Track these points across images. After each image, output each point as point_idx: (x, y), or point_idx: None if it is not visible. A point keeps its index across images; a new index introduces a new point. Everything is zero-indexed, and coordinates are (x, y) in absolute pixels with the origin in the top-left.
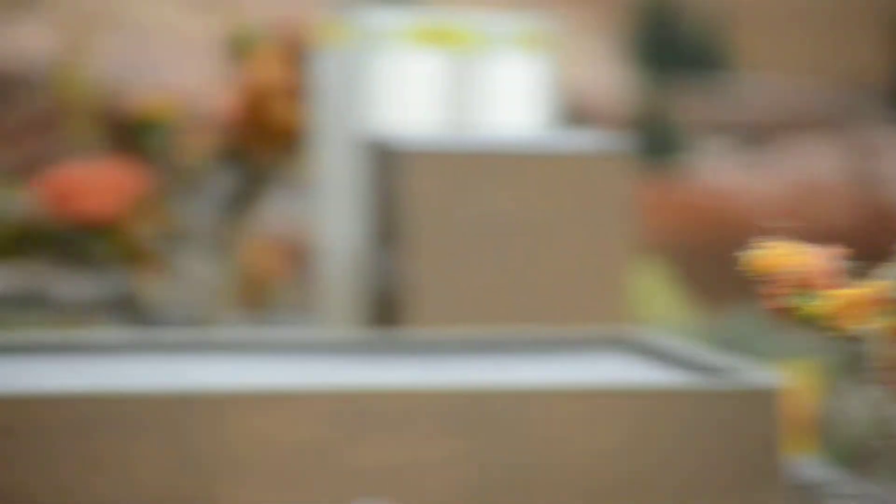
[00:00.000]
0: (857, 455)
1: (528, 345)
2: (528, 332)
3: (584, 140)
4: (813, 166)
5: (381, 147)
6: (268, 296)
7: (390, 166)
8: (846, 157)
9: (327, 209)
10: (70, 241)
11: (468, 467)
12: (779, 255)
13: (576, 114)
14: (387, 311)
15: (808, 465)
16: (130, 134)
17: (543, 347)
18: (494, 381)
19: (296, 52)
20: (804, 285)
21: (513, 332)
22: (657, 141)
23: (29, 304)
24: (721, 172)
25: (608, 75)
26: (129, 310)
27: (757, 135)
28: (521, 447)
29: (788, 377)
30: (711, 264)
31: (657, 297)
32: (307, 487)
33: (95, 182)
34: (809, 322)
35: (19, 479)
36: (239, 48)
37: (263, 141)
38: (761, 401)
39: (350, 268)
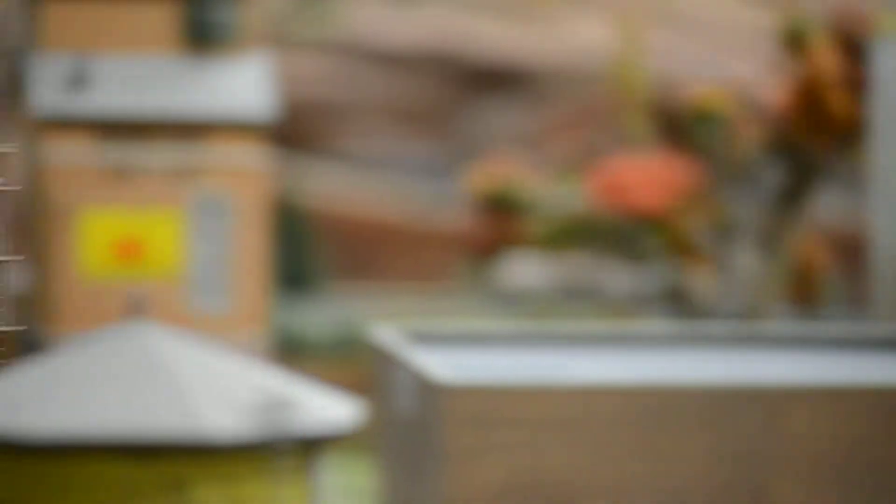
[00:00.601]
0: None
1: None
2: None
3: None
4: None
5: None
6: (817, 290)
7: None
8: None
9: (882, 203)
10: (620, 234)
11: None
12: None
13: None
14: None
15: None
16: (682, 127)
17: None
18: None
19: (853, 43)
20: None
21: None
22: None
23: (580, 296)
24: None
25: None
26: (677, 303)
27: None
28: None
29: None
30: None
31: None
32: (857, 484)
33: (646, 176)
34: None
35: (569, 468)
36: (793, 39)
37: (817, 133)
38: None
39: None
